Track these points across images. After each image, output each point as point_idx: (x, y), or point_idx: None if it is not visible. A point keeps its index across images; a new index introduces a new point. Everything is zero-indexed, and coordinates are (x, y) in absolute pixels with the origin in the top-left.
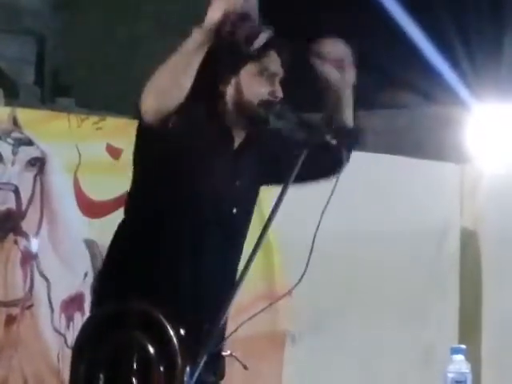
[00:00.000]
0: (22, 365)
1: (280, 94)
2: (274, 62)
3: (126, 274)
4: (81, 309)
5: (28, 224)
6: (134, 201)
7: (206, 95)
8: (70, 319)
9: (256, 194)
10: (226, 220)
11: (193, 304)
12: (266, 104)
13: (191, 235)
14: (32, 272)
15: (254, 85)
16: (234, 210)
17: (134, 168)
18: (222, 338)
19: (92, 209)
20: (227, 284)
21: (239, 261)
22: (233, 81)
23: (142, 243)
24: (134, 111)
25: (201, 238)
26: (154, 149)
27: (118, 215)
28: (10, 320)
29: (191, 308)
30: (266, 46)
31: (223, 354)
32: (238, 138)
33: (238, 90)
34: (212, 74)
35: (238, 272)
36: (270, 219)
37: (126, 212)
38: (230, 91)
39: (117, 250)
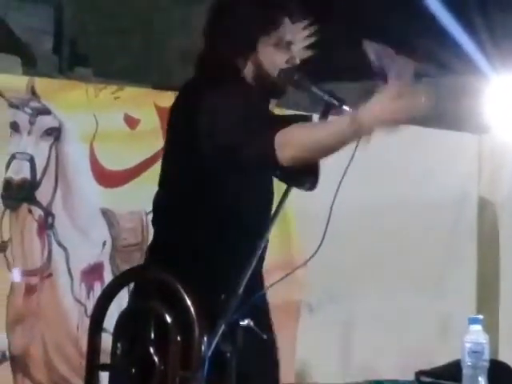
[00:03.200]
0: (43, 334)
1: (297, 60)
2: (288, 30)
3: (152, 245)
4: (100, 278)
5: (42, 194)
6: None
7: (225, 72)
8: (90, 288)
9: None
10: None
11: (210, 274)
12: (285, 72)
13: (213, 205)
14: (49, 241)
15: (272, 56)
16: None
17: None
18: (240, 307)
19: (108, 178)
20: (246, 253)
21: (263, 232)
22: (251, 56)
23: (163, 211)
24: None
25: (223, 209)
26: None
27: (134, 185)
28: (30, 289)
29: (209, 277)
30: (280, 14)
31: (241, 323)
32: None
33: (258, 64)
34: (230, 51)
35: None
36: (287, 189)
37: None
38: (249, 66)
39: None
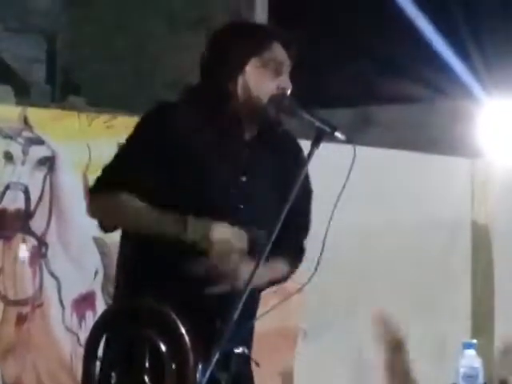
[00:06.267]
0: (35, 363)
1: (288, 84)
2: (278, 52)
3: (137, 274)
4: (92, 307)
5: (36, 223)
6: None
7: (215, 94)
8: (81, 318)
9: (272, 196)
10: (232, 216)
11: (205, 301)
12: (275, 99)
13: None
14: (41, 271)
15: (260, 78)
16: (241, 206)
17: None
18: (235, 335)
19: None
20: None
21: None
22: (240, 79)
23: (148, 242)
24: None
25: None
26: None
27: None
28: (21, 319)
29: (203, 305)
30: (269, 38)
31: (236, 351)
32: (249, 134)
33: (246, 88)
34: (219, 74)
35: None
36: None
37: None
38: (239, 90)
39: (125, 251)
